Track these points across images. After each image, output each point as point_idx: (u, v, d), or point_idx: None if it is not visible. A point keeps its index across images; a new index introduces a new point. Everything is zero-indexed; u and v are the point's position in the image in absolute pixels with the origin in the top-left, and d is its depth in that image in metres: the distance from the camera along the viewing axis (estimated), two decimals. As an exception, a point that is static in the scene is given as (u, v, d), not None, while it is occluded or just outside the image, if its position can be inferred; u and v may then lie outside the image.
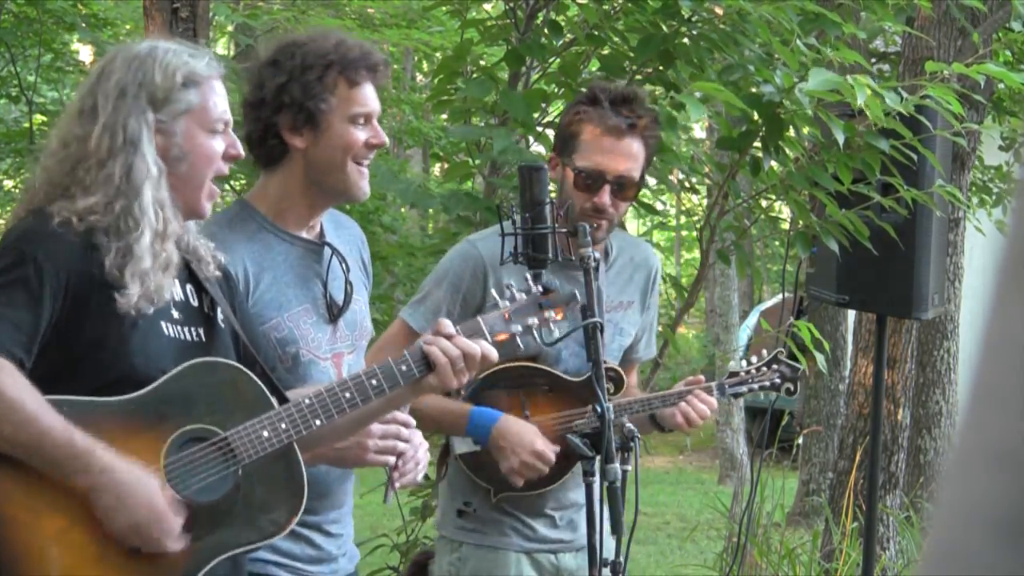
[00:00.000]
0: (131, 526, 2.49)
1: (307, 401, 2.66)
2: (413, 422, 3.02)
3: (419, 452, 3.02)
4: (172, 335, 2.64)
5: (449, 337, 2.74)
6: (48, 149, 2.69)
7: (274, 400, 2.68)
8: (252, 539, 2.65)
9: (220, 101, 2.71)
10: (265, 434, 2.62)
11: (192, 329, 2.69)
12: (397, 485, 3.03)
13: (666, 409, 3.55)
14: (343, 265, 3.14)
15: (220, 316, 2.76)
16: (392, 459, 3.00)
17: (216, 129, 2.69)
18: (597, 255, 3.25)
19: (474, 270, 3.49)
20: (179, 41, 2.78)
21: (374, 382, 2.70)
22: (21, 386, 2.44)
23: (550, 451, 3.45)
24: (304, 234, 3.12)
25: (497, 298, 2.89)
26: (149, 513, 2.49)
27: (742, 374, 3.73)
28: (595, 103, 3.45)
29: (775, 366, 3.74)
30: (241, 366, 2.69)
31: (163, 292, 2.59)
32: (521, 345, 2.89)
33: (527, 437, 3.44)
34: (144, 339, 2.58)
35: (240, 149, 2.75)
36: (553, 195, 3.29)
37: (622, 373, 3.58)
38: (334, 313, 3.11)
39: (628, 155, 3.44)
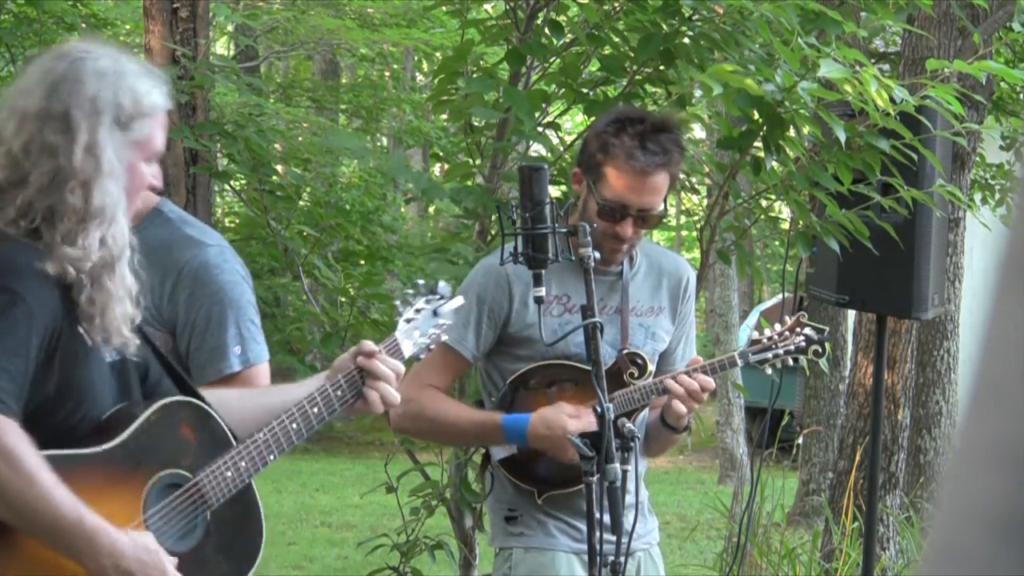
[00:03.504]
0: None
1: (262, 436, 2.63)
2: None
3: None
4: (108, 359, 2.56)
5: (373, 355, 2.72)
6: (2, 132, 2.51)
7: (229, 434, 2.63)
8: None
9: (162, 135, 2.62)
10: (229, 474, 2.59)
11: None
12: None
13: (668, 404, 3.50)
14: None
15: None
16: None
17: (151, 160, 2.61)
18: (598, 255, 3.25)
19: (497, 281, 3.49)
20: (135, 59, 2.67)
21: (315, 410, 2.69)
22: (35, 458, 2.35)
23: (584, 418, 3.38)
24: None
25: (401, 311, 2.88)
26: None
27: (764, 341, 3.62)
28: (626, 135, 3.41)
29: (798, 330, 3.63)
30: (203, 404, 2.63)
31: (136, 321, 2.52)
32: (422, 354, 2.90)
33: (558, 424, 3.39)
34: (99, 369, 2.52)
35: (160, 182, 2.65)
36: (555, 196, 3.28)
37: (647, 359, 3.55)
38: None
39: (653, 190, 3.44)
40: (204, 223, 2.99)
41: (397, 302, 2.92)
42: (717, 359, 3.54)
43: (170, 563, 2.48)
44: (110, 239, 2.46)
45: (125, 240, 2.49)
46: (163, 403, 2.56)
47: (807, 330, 3.63)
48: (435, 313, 2.89)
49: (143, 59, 2.72)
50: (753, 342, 3.64)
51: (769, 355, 3.61)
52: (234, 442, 2.63)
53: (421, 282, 2.94)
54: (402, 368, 2.77)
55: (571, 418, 3.38)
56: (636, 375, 3.49)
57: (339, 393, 2.70)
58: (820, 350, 3.63)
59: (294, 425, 2.66)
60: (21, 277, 2.41)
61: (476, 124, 5.00)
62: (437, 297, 2.90)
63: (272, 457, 2.64)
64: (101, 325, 2.45)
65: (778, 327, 3.63)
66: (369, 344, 2.75)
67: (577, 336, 3.31)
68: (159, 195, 2.97)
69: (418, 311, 2.87)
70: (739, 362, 3.61)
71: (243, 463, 2.61)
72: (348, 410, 2.74)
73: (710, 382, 3.46)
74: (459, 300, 2.96)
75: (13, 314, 2.38)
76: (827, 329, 3.70)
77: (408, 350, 2.83)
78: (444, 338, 2.93)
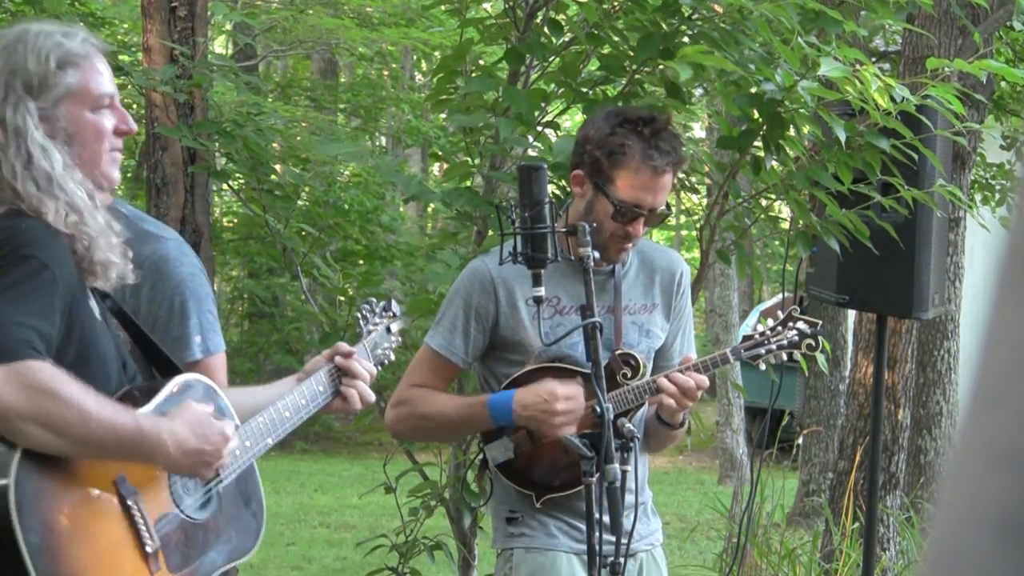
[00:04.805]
0: (206, 465, 2.57)
1: (261, 419, 2.78)
2: None
3: None
4: (111, 335, 2.64)
5: (350, 355, 2.91)
6: None
7: (234, 413, 2.74)
8: (230, 557, 2.73)
9: (101, 79, 2.63)
10: (237, 452, 2.69)
11: (106, 318, 2.67)
12: None
13: (661, 401, 3.48)
14: None
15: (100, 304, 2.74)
16: None
17: (101, 105, 2.62)
18: (597, 255, 3.24)
19: (483, 284, 3.49)
20: (52, 22, 2.71)
21: (303, 402, 2.87)
22: (76, 386, 2.40)
23: (573, 387, 3.38)
24: None
25: (362, 325, 3.09)
26: (214, 450, 2.56)
27: (757, 337, 3.58)
28: (638, 136, 3.42)
29: (791, 323, 3.58)
30: (213, 383, 2.74)
31: (129, 254, 2.60)
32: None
33: (544, 389, 3.38)
34: (108, 343, 2.59)
35: (132, 124, 2.68)
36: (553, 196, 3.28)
37: (640, 360, 3.53)
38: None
39: (664, 189, 3.47)
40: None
41: (358, 315, 3.15)
42: (709, 356, 3.51)
43: (225, 425, 2.59)
44: (56, 189, 2.51)
45: (73, 187, 2.53)
46: (181, 379, 2.66)
47: (799, 324, 3.58)
48: (388, 330, 3.14)
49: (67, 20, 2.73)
50: (745, 338, 3.61)
51: (762, 351, 3.56)
52: (237, 421, 2.73)
53: (374, 299, 3.18)
54: (375, 370, 2.98)
55: (560, 388, 3.36)
56: (629, 375, 3.47)
57: (321, 388, 2.88)
58: (814, 344, 3.59)
59: (287, 413, 2.83)
60: (44, 247, 2.47)
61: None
62: (390, 315, 3.15)
63: (270, 440, 2.79)
64: (97, 262, 2.52)
65: (770, 322, 3.61)
66: (345, 346, 2.94)
67: (571, 338, 3.30)
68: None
69: (375, 325, 3.11)
70: (731, 359, 3.57)
71: (248, 442, 2.74)
72: (327, 407, 2.92)
73: (704, 380, 3.44)
74: (402, 322, 3.23)
75: (40, 280, 2.44)
76: (820, 323, 3.65)
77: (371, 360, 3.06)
78: (392, 358, 3.17)
